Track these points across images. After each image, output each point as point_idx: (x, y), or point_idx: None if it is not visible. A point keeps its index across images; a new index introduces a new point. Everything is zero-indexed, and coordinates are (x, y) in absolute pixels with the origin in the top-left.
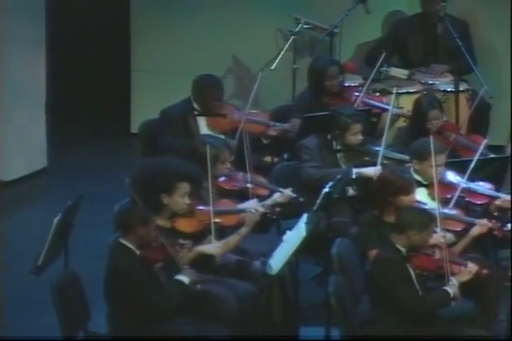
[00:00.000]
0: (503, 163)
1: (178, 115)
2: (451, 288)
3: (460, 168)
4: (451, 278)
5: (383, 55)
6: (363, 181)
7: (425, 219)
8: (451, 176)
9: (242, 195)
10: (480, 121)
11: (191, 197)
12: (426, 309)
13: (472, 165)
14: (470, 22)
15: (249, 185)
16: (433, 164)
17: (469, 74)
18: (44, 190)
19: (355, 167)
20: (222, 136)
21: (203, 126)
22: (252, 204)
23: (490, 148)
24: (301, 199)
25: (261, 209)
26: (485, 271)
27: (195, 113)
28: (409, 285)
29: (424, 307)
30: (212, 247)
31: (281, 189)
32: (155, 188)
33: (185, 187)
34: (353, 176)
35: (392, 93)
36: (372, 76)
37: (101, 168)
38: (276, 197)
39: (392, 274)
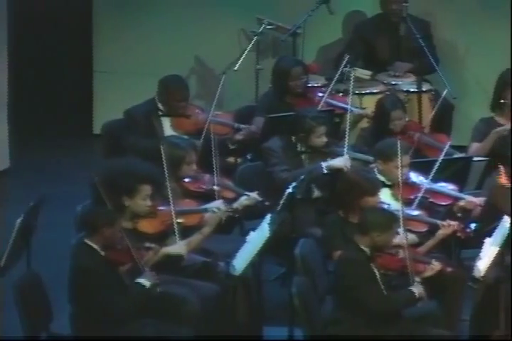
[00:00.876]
0: (466, 163)
1: (142, 115)
2: (417, 288)
3: (423, 168)
4: (416, 278)
5: (347, 58)
6: (333, 175)
7: (388, 220)
8: (415, 177)
9: (208, 197)
10: (443, 122)
11: (154, 198)
12: (391, 309)
13: (437, 165)
14: (431, 22)
15: (215, 187)
16: (399, 164)
17: (432, 74)
18: (7, 191)
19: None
20: (186, 137)
21: (167, 126)
22: (216, 204)
23: (452, 148)
24: (266, 203)
25: (223, 208)
26: (449, 269)
27: (160, 113)
28: (374, 285)
29: (389, 307)
30: (178, 247)
31: (247, 192)
32: (116, 190)
33: (146, 189)
34: (324, 171)
35: (355, 93)
36: (336, 77)
37: (63, 168)
38: (243, 200)
39: (357, 274)
